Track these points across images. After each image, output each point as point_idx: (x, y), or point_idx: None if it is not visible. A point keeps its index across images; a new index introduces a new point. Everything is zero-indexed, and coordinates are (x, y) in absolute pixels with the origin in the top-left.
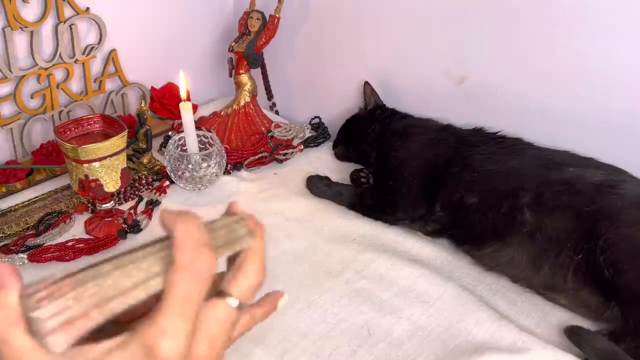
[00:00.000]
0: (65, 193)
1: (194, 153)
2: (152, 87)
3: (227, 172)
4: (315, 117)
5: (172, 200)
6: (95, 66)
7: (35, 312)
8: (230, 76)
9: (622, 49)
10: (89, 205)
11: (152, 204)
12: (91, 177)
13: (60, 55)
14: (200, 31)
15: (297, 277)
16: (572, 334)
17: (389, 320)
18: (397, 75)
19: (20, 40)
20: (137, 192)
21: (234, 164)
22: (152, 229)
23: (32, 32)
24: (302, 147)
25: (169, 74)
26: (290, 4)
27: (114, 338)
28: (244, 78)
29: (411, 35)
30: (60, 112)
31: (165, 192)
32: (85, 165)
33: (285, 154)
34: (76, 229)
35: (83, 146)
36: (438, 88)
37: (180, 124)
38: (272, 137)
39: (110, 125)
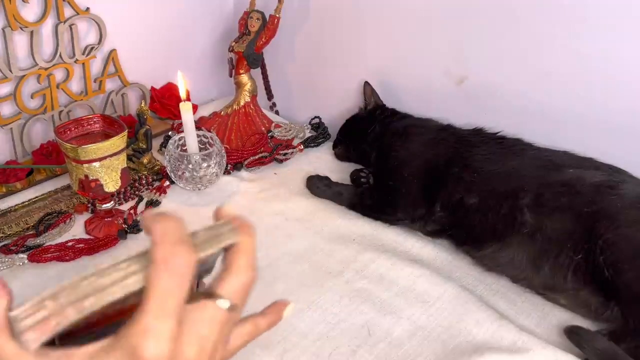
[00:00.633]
0: (65, 193)
1: (194, 153)
2: (152, 87)
3: (227, 172)
4: (315, 117)
5: (172, 200)
6: (95, 66)
7: (13, 311)
8: (230, 76)
9: (622, 49)
10: (89, 205)
11: (152, 204)
12: (91, 177)
13: (60, 55)
14: (200, 31)
15: (297, 277)
16: (572, 334)
17: (389, 320)
18: (397, 75)
19: (20, 40)
20: (137, 192)
21: (234, 164)
22: None
23: (32, 32)
24: (302, 147)
25: (169, 74)
26: (290, 4)
27: (100, 341)
28: (244, 78)
29: (411, 35)
30: (60, 112)
31: (165, 192)
32: (85, 165)
33: (285, 154)
34: (76, 229)
35: (83, 146)
36: (438, 88)
37: (180, 124)
38: (272, 137)
39: (110, 125)
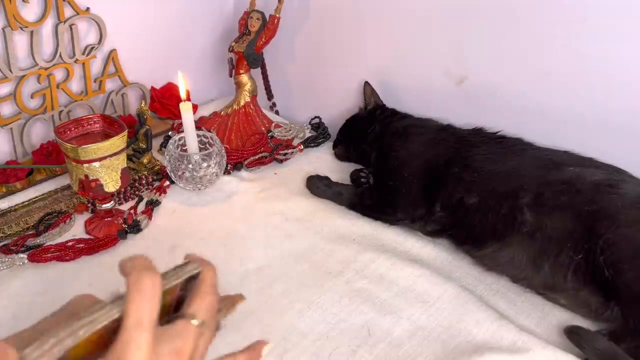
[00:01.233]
0: (65, 193)
1: (194, 153)
2: (152, 87)
3: (227, 172)
4: (315, 117)
5: (172, 200)
6: (95, 66)
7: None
8: (230, 76)
9: (622, 49)
10: (89, 205)
11: (152, 204)
12: (91, 177)
13: (60, 55)
14: (200, 31)
15: (297, 277)
16: (572, 334)
17: (389, 320)
18: (397, 75)
19: (20, 40)
20: (137, 192)
21: (234, 164)
22: (152, 229)
23: (32, 32)
24: (302, 147)
25: (169, 74)
26: (290, 4)
27: None
28: (244, 78)
29: (411, 35)
30: (60, 112)
31: (165, 192)
32: (86, 165)
33: (285, 154)
34: (76, 229)
35: (83, 146)
36: (438, 88)
37: (180, 124)
38: (272, 137)
39: (110, 125)
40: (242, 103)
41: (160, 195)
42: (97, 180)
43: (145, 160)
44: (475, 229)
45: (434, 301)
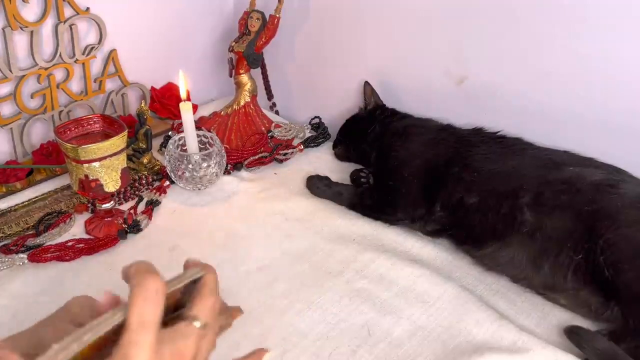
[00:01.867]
0: (65, 193)
1: (194, 153)
2: (152, 87)
3: (227, 172)
4: (315, 117)
5: (172, 200)
6: (95, 66)
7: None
8: (230, 76)
9: (622, 49)
10: (89, 205)
11: (152, 204)
12: (91, 177)
13: (60, 55)
14: (200, 31)
15: (297, 277)
16: (572, 334)
17: (389, 320)
18: (397, 75)
19: (20, 40)
20: (137, 192)
21: (234, 164)
22: (152, 229)
23: (32, 32)
24: (302, 147)
25: (169, 74)
26: (290, 4)
27: None
28: (244, 78)
29: (411, 35)
30: (60, 112)
31: (165, 192)
32: (85, 165)
33: (285, 154)
34: (76, 229)
35: (83, 146)
36: (438, 88)
37: (180, 124)
38: (272, 137)
39: (110, 125)
40: (242, 103)
41: (160, 195)
42: (97, 180)
43: (145, 160)
44: (475, 228)
45: (434, 301)
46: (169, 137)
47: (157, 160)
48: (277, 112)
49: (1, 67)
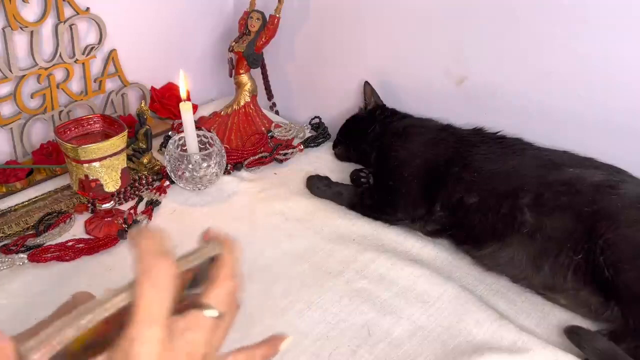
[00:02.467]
0: (65, 193)
1: (194, 153)
2: (152, 87)
3: (227, 172)
4: (315, 117)
5: (172, 200)
6: (95, 66)
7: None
8: (230, 76)
9: (622, 49)
10: (89, 205)
11: (152, 204)
12: (91, 177)
13: (60, 55)
14: (200, 31)
15: (297, 277)
16: (572, 334)
17: (389, 320)
18: (397, 75)
19: (20, 40)
20: (137, 192)
21: (234, 164)
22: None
23: (32, 32)
24: (302, 147)
25: (169, 74)
26: (290, 4)
27: (99, 355)
28: (244, 78)
29: (411, 35)
30: (60, 112)
31: (165, 192)
32: (86, 165)
33: (285, 154)
34: (76, 229)
35: (83, 146)
36: (438, 88)
37: (180, 124)
38: (272, 137)
39: (110, 125)
40: (242, 103)
41: (160, 195)
42: (97, 180)
43: (145, 160)
44: (475, 229)
45: (434, 301)
46: (169, 137)
47: (157, 160)
48: (277, 112)
49: (1, 67)
